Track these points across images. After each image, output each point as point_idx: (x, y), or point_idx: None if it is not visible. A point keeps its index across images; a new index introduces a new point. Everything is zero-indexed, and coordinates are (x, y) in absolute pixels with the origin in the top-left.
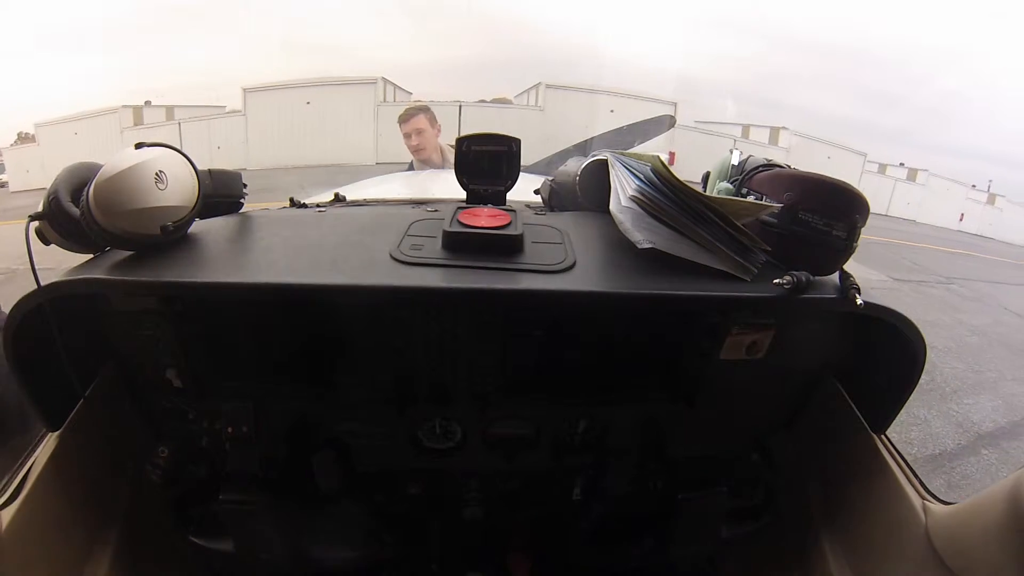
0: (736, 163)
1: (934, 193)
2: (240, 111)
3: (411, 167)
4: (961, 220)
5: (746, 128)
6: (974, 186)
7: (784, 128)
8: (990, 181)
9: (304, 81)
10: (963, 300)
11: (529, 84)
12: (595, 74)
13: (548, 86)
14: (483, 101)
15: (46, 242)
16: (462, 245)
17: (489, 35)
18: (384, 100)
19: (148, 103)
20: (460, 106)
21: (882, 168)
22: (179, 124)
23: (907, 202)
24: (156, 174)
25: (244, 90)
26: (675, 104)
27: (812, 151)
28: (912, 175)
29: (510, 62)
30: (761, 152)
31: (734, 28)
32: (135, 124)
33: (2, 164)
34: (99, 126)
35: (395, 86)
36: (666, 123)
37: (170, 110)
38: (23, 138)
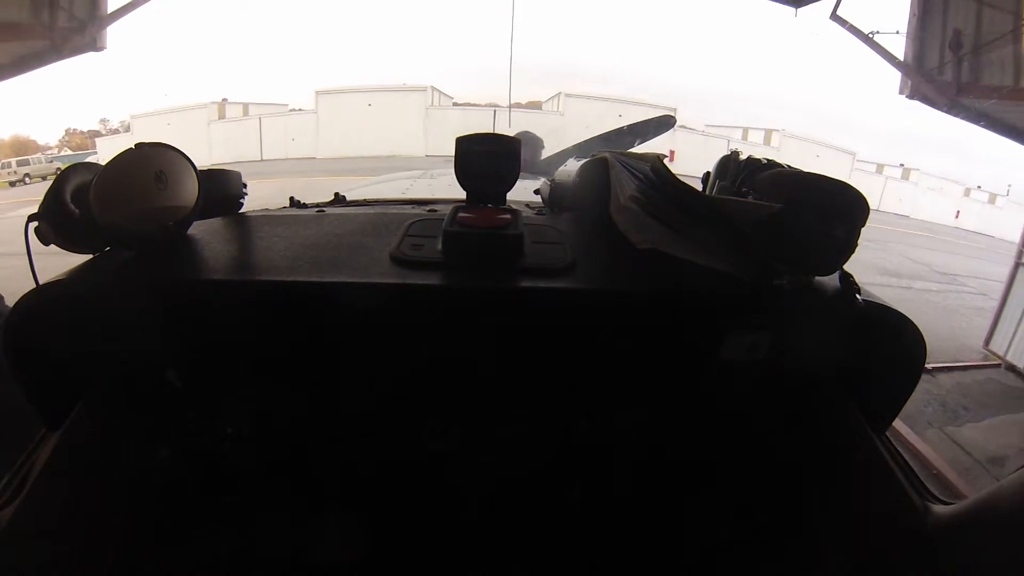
0: (736, 163)
1: (927, 191)
2: (304, 109)
3: None
4: (957, 217)
5: (745, 131)
6: (979, 187)
7: (776, 130)
8: (1009, 185)
9: (367, 87)
10: (863, 249)
11: (555, 91)
12: (608, 82)
13: (567, 95)
14: (518, 104)
15: (46, 242)
16: (462, 245)
17: (526, 45)
18: (432, 104)
19: (225, 100)
20: (495, 111)
21: (879, 168)
22: (259, 119)
23: (899, 198)
24: (156, 174)
25: (316, 93)
26: (675, 110)
27: (800, 149)
28: (906, 174)
29: (542, 69)
30: (752, 152)
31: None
32: (219, 118)
33: (95, 153)
34: (188, 119)
35: (440, 92)
36: (666, 123)
37: (245, 107)
38: (70, 133)
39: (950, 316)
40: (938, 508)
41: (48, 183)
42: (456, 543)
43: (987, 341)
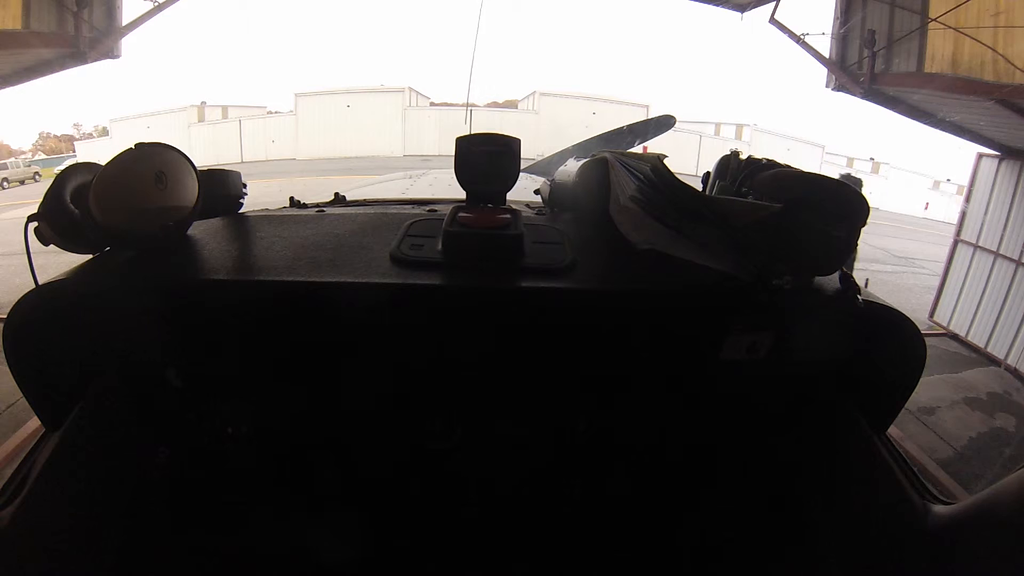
0: (736, 163)
1: (896, 184)
2: (282, 111)
3: None
4: (926, 208)
5: (717, 126)
6: (948, 179)
7: (747, 125)
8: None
9: (345, 88)
10: None
11: (530, 90)
12: (583, 80)
13: (542, 94)
14: (495, 103)
15: (45, 242)
16: (462, 245)
17: (505, 46)
18: (409, 105)
19: (204, 103)
20: (470, 110)
21: (849, 161)
22: (239, 121)
23: (869, 191)
24: (156, 174)
25: (295, 95)
26: (647, 107)
27: (770, 143)
28: (875, 167)
29: (518, 69)
30: (721, 146)
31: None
32: (199, 120)
33: (74, 156)
34: (168, 122)
35: (418, 93)
36: (666, 123)
37: (224, 109)
38: (44, 137)
39: (901, 293)
40: (938, 508)
41: (26, 187)
42: (456, 542)
43: (931, 313)
